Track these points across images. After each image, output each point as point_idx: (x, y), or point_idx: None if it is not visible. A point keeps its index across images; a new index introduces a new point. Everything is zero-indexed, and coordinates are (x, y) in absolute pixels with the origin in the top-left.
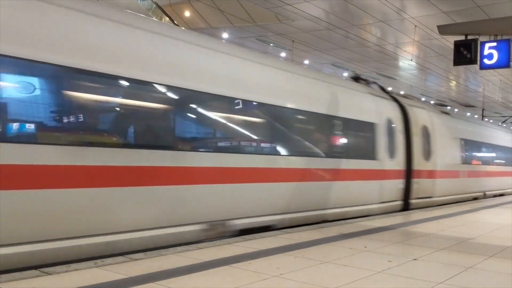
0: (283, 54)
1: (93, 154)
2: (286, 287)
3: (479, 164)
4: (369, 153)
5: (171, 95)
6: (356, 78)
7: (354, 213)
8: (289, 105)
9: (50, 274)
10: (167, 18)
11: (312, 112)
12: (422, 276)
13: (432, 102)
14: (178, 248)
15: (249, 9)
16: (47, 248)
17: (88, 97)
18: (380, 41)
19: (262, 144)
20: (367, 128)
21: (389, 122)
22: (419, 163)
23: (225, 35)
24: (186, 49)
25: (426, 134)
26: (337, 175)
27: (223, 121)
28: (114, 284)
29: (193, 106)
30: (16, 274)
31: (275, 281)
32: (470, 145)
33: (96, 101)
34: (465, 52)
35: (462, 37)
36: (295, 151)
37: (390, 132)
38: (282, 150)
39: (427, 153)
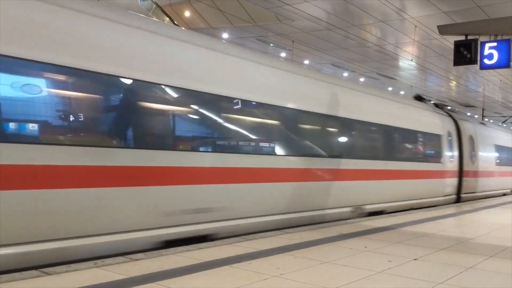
0: (283, 54)
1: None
2: (286, 287)
3: (508, 165)
4: (437, 158)
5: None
6: (419, 98)
7: (428, 203)
8: (399, 125)
9: (50, 274)
10: (167, 19)
11: (407, 129)
12: (422, 276)
13: (432, 102)
14: (179, 248)
15: (249, 9)
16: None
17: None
18: (380, 41)
19: (383, 154)
20: (436, 138)
21: (448, 133)
22: (467, 165)
23: (225, 35)
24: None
25: (471, 142)
26: (419, 174)
27: (367, 139)
28: (114, 284)
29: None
30: (16, 275)
31: (275, 281)
32: (501, 149)
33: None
34: (465, 52)
35: (462, 37)
36: (395, 158)
37: (449, 141)
38: (393, 157)
39: (472, 157)
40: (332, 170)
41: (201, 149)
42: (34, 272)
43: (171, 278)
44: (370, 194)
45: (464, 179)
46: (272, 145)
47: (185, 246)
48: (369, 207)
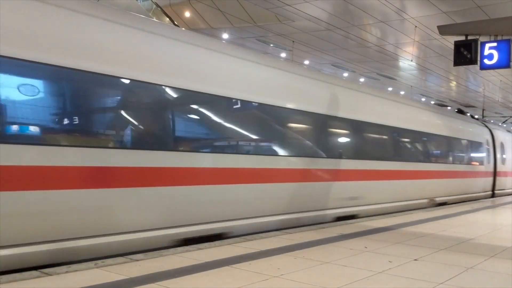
0: (283, 55)
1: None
2: None
3: None
4: (480, 161)
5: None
6: (461, 111)
7: (474, 197)
8: (459, 137)
9: (51, 275)
10: (167, 19)
11: (464, 139)
12: (423, 277)
13: (432, 102)
14: (179, 249)
15: (249, 10)
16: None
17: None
18: (380, 42)
19: (448, 158)
20: (479, 145)
21: (486, 141)
22: (499, 166)
23: (225, 36)
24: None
25: (502, 147)
26: (470, 174)
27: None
28: (115, 284)
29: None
30: (17, 275)
31: (276, 282)
32: None
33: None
34: (465, 53)
35: (462, 37)
36: (456, 161)
37: (487, 147)
38: (455, 161)
39: (503, 160)
40: (420, 171)
41: (356, 157)
42: (34, 272)
43: (171, 279)
44: (439, 189)
45: (497, 178)
46: (393, 154)
47: (185, 247)
48: (438, 199)
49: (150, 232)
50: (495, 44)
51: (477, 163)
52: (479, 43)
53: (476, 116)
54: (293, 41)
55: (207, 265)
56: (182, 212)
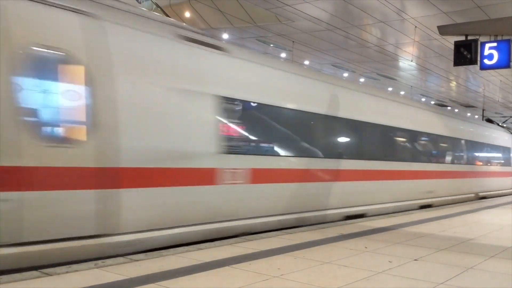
0: (283, 55)
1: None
2: None
3: None
4: (508, 163)
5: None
6: (490, 121)
7: (502, 193)
8: (495, 143)
9: (51, 275)
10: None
11: (499, 145)
12: (423, 277)
13: (432, 102)
14: (179, 249)
15: (249, 10)
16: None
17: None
18: (380, 42)
19: (488, 161)
20: (508, 150)
21: None
22: None
23: (225, 36)
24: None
25: None
26: (502, 174)
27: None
28: (115, 284)
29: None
30: (17, 275)
31: (276, 282)
32: None
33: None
34: (465, 53)
35: (462, 38)
36: (494, 163)
37: None
38: (493, 163)
39: None
40: (471, 171)
41: (431, 161)
42: (34, 273)
43: (171, 279)
44: (481, 185)
45: None
46: (455, 158)
47: (185, 247)
48: (481, 194)
49: (334, 210)
50: (495, 44)
51: (507, 165)
52: (479, 43)
53: (500, 124)
54: (293, 41)
55: (207, 265)
56: (346, 199)
